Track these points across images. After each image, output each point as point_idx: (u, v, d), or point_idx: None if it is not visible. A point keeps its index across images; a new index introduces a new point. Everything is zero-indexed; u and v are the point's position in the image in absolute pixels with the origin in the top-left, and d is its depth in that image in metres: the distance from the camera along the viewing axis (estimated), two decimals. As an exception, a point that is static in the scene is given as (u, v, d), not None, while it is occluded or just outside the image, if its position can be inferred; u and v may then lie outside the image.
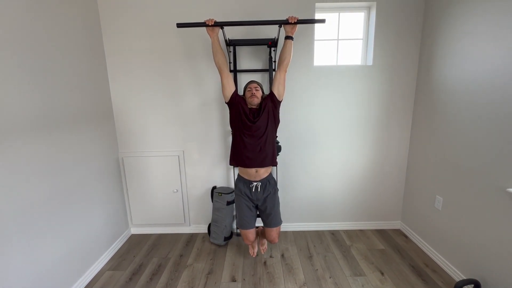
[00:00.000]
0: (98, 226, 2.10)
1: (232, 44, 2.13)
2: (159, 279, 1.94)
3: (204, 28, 1.73)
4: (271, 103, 1.75)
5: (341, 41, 2.36)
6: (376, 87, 2.31)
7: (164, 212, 2.51)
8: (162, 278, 1.94)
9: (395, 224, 2.60)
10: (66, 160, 1.77)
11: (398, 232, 2.54)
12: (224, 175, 2.49)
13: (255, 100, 1.75)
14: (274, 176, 2.42)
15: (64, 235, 1.72)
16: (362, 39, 2.35)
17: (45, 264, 1.56)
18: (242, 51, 2.24)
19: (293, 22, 1.63)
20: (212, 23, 1.64)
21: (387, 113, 2.36)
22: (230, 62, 2.18)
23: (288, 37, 1.69)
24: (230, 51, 2.17)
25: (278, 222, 1.88)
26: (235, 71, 2.20)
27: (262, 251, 2.16)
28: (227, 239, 2.35)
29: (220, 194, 2.34)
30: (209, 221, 2.53)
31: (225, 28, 2.06)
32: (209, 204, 2.51)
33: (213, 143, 2.41)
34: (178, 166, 2.42)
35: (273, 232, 1.88)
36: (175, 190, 2.47)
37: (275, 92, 1.75)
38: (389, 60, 2.25)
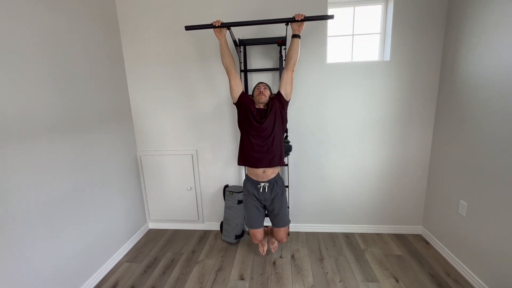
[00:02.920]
0: (118, 220, 2.24)
1: (242, 44, 2.14)
2: (171, 273, 2.02)
3: None
4: (278, 103, 1.73)
5: (357, 36, 2.26)
6: (394, 84, 2.18)
7: (179, 209, 2.61)
8: (174, 273, 2.02)
9: (416, 229, 2.45)
10: (89, 158, 1.91)
11: (419, 237, 2.39)
12: (236, 174, 2.51)
13: (263, 98, 1.74)
14: (286, 176, 2.40)
15: (85, 227, 1.86)
16: (380, 33, 2.23)
17: (68, 254, 1.70)
18: (252, 50, 2.24)
19: (300, 19, 1.59)
20: (219, 24, 1.66)
21: (407, 112, 2.22)
22: (240, 62, 2.19)
23: (295, 36, 1.66)
24: (240, 51, 2.18)
25: (286, 223, 1.87)
26: (245, 71, 2.21)
27: (272, 249, 2.16)
28: (238, 237, 2.38)
29: (231, 193, 2.38)
30: (222, 219, 2.58)
31: (236, 28, 2.07)
32: (222, 202, 2.56)
33: (225, 142, 2.45)
34: (192, 165, 2.50)
35: (280, 232, 1.87)
36: (189, 188, 2.55)
37: (282, 92, 1.73)
38: (409, 55, 2.11)
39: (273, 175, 1.81)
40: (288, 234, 2.47)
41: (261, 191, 1.80)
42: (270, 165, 1.74)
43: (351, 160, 2.37)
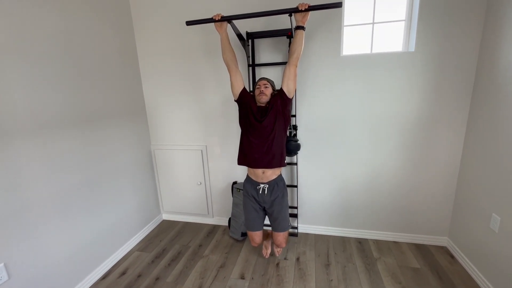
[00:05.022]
0: (131, 210, 2.35)
1: (250, 37, 2.06)
2: (176, 265, 2.08)
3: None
4: (280, 101, 1.63)
5: (378, 25, 2.03)
6: (419, 79, 1.93)
7: (190, 202, 2.67)
8: (178, 265, 2.08)
9: (441, 241, 2.20)
10: (104, 151, 2.02)
11: (443, 250, 2.14)
12: (245, 171, 2.47)
13: (264, 97, 1.66)
14: (295, 174, 2.30)
15: (98, 216, 1.98)
16: (405, 20, 1.97)
17: (80, 240, 1.83)
18: (261, 44, 2.14)
19: (303, 9, 1.46)
20: (219, 18, 1.59)
21: (434, 110, 1.96)
22: (248, 56, 2.11)
23: (299, 27, 1.53)
24: (248, 45, 2.09)
25: (285, 227, 1.79)
26: (253, 65, 2.13)
27: (276, 253, 2.09)
28: (244, 234, 2.36)
29: (238, 190, 2.35)
30: (230, 215, 2.58)
31: (245, 21, 2.00)
32: (231, 198, 2.55)
33: (233, 138, 2.41)
34: (201, 160, 2.52)
35: (279, 237, 1.80)
36: (199, 183, 2.58)
37: (285, 89, 1.62)
38: (437, 44, 1.84)
39: (274, 176, 1.73)
40: (296, 234, 2.40)
41: (260, 192, 1.73)
42: (269, 166, 1.66)
43: (367, 161, 2.18)
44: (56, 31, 1.64)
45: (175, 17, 2.25)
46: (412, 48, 1.91)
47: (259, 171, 1.69)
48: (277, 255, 2.08)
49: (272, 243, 2.11)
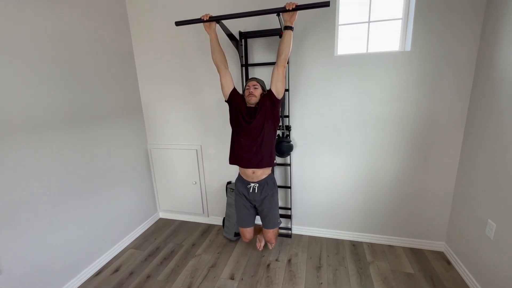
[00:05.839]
0: (128, 208, 2.39)
1: (243, 37, 2.04)
2: (168, 264, 2.10)
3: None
4: (269, 102, 1.62)
5: (374, 23, 1.98)
6: (416, 79, 1.87)
7: (185, 201, 2.68)
8: (170, 264, 2.10)
9: (438, 246, 2.14)
10: (100, 150, 2.06)
11: (440, 255, 2.09)
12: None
13: (253, 99, 1.65)
14: (288, 175, 2.29)
15: (94, 214, 2.02)
16: (402, 18, 1.92)
17: (74, 238, 1.87)
18: (255, 43, 2.12)
19: (291, 8, 1.43)
20: (207, 18, 1.59)
21: (431, 112, 1.90)
22: (241, 56, 2.10)
23: (287, 27, 1.50)
24: (241, 44, 2.08)
25: (275, 225, 1.81)
26: (246, 65, 2.11)
27: (270, 246, 2.09)
28: (237, 234, 2.36)
29: (232, 190, 2.35)
30: (224, 214, 2.59)
31: (238, 21, 2.00)
32: (225, 198, 2.55)
33: (228, 139, 2.38)
34: (197, 160, 2.53)
35: (269, 234, 1.84)
36: (194, 182, 2.59)
37: (273, 90, 1.60)
38: (435, 44, 1.78)
39: (264, 176, 1.73)
40: (290, 235, 2.38)
41: (250, 191, 1.74)
42: (259, 166, 1.66)
43: (363, 162, 2.14)
44: (50, 30, 1.67)
45: (172, 17, 2.26)
46: (408, 47, 1.85)
47: (249, 171, 1.69)
48: (270, 248, 2.08)
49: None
